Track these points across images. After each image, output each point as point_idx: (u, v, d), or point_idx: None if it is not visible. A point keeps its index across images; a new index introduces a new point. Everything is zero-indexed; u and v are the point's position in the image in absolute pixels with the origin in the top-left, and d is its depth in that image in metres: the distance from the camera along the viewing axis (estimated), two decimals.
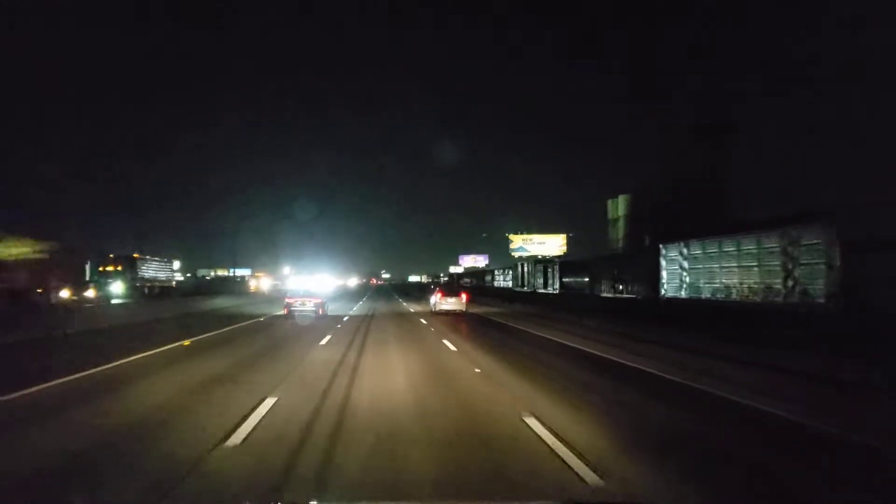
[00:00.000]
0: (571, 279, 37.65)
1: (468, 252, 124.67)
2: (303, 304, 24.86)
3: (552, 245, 71.75)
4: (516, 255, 72.99)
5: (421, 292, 65.72)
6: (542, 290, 43.74)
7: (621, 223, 69.99)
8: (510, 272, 58.31)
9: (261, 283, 73.01)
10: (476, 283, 78.79)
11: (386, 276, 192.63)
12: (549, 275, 41.89)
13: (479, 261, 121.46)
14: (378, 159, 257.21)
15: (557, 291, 39.58)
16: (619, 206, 70.96)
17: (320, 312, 24.71)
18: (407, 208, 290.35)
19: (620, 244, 70.40)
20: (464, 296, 28.12)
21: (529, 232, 74.26)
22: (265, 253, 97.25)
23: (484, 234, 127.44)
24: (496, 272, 66.18)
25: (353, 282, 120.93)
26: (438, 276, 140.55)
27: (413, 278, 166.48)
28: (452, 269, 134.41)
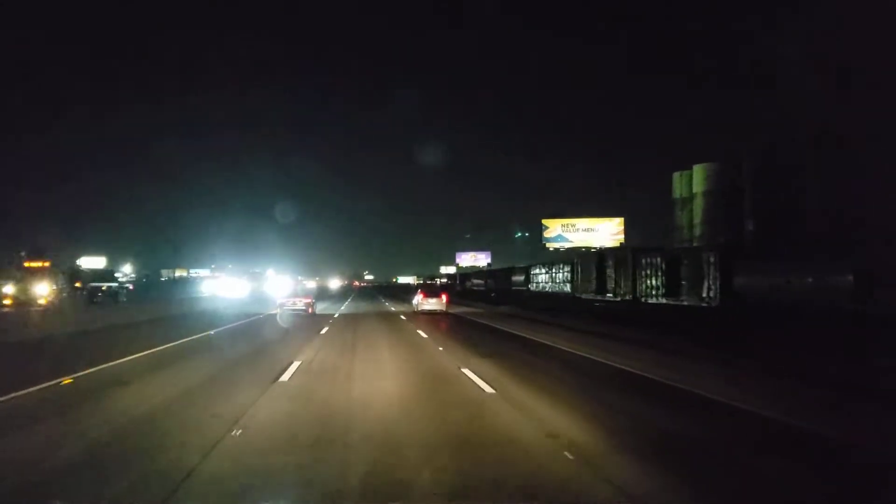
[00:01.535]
0: (765, 279, 18.89)
1: (466, 250, 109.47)
2: (294, 304, 27.95)
3: (604, 233, 53.08)
4: (552, 246, 54.50)
5: (408, 294, 51.82)
6: (656, 300, 25.00)
7: (699, 203, 51.55)
8: (565, 269, 39.24)
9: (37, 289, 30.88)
10: (496, 286, 59.48)
11: (369, 277, 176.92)
12: (686, 272, 23.01)
13: (479, 258, 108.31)
14: (361, 155, 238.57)
15: (714, 304, 20.83)
16: (693, 181, 52.62)
17: (310, 311, 27.40)
18: (395, 206, 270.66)
19: (697, 231, 52.25)
20: (444, 297, 30.23)
21: (568, 216, 55.64)
22: (244, 253, 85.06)
23: (467, 235, 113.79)
24: (533, 270, 47.08)
25: (335, 284, 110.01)
26: (433, 278, 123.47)
27: (404, 279, 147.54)
28: (444, 270, 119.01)
